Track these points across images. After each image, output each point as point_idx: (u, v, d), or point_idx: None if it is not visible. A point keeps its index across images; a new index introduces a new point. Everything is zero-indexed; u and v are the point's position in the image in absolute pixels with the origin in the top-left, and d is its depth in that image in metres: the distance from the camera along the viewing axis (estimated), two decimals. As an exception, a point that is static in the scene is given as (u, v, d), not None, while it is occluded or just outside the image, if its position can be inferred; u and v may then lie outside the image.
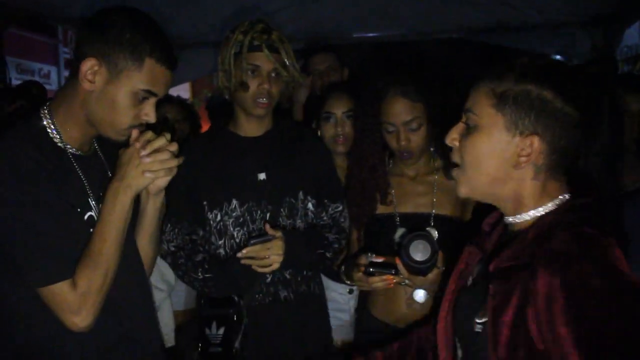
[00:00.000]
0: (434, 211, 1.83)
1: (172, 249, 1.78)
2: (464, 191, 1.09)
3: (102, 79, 1.22)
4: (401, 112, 1.78)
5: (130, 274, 1.35)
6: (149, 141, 1.28)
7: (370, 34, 4.03)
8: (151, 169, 1.27)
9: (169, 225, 1.77)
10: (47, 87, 6.69)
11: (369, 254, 1.70)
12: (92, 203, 1.30)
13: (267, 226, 1.72)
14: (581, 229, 0.95)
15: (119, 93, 1.23)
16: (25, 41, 7.57)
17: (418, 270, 1.57)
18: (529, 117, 0.99)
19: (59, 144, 1.26)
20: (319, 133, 2.20)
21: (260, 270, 1.71)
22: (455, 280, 1.21)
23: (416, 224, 1.81)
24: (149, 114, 1.28)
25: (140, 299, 1.41)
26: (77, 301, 1.18)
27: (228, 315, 1.70)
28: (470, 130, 1.05)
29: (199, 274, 1.75)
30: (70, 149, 1.28)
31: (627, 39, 4.75)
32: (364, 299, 2.01)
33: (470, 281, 1.17)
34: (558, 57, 4.49)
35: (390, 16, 3.75)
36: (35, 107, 1.34)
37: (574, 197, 1.04)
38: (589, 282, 0.87)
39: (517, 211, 1.06)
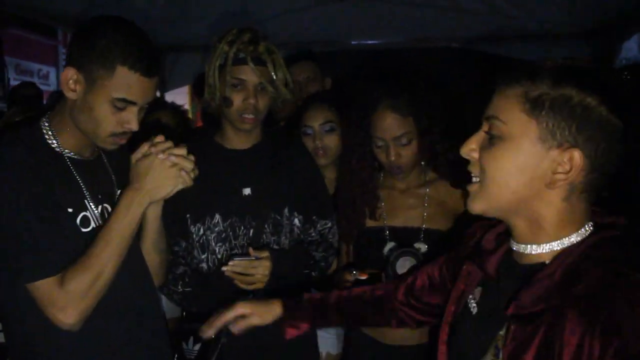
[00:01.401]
0: (424, 225, 1.80)
1: None
2: (479, 207, 0.94)
3: (81, 88, 1.24)
4: (391, 127, 1.74)
5: (136, 281, 1.37)
6: (166, 148, 1.30)
7: (366, 42, 4.02)
8: (176, 177, 1.29)
9: None
10: (46, 88, 6.70)
11: (353, 272, 1.67)
12: (90, 205, 1.31)
13: (251, 250, 1.67)
14: (615, 267, 0.83)
15: (96, 102, 1.24)
16: (24, 42, 7.56)
17: None
18: (570, 126, 0.84)
19: (57, 149, 1.28)
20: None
21: (242, 286, 1.66)
22: (454, 301, 1.12)
23: (406, 238, 1.78)
24: (131, 122, 1.27)
25: (148, 306, 1.43)
26: (62, 299, 1.19)
27: (205, 332, 1.66)
28: (494, 141, 0.90)
29: (179, 287, 1.71)
30: (69, 153, 1.30)
31: (627, 52, 4.73)
32: None
33: (472, 305, 1.06)
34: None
35: (386, 24, 3.74)
36: (28, 109, 1.35)
37: (599, 227, 0.91)
38: (634, 340, 0.74)
39: (533, 238, 0.92)
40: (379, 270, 1.62)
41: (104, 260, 1.23)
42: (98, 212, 1.32)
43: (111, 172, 1.39)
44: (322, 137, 2.09)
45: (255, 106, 1.68)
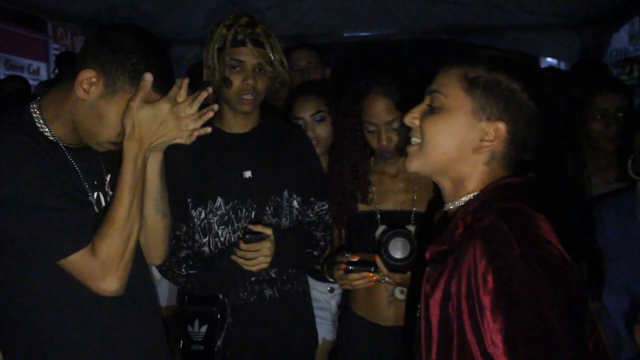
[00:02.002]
0: (414, 208, 1.84)
1: None
2: (414, 166, 1.11)
3: (96, 92, 1.24)
4: (382, 111, 1.77)
5: (136, 270, 1.34)
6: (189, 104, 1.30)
7: (360, 34, 4.04)
8: (180, 130, 1.29)
9: None
10: (37, 83, 6.64)
11: (346, 255, 1.70)
12: (88, 191, 1.31)
13: (259, 226, 1.69)
14: (504, 205, 0.99)
15: (110, 110, 1.25)
16: (14, 37, 7.51)
17: (397, 267, 1.58)
18: (498, 104, 1.03)
19: (50, 137, 1.27)
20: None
21: (247, 268, 1.69)
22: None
23: (397, 221, 1.81)
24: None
25: (145, 291, 1.43)
26: (99, 268, 1.20)
27: (211, 313, 1.68)
28: (434, 111, 1.08)
29: (183, 270, 1.72)
30: (62, 143, 1.29)
31: (616, 43, 4.79)
32: (346, 298, 2.00)
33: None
34: (548, 59, 4.51)
35: (380, 16, 3.76)
36: (16, 102, 1.34)
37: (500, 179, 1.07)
38: (510, 251, 0.90)
39: (456, 195, 1.09)
40: (372, 253, 1.64)
41: (126, 221, 1.24)
42: (94, 198, 1.33)
43: (100, 159, 1.38)
44: (314, 127, 2.10)
45: (254, 87, 1.70)
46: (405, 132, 1.76)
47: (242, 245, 1.66)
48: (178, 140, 1.32)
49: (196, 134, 1.34)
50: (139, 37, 1.26)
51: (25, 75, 7.06)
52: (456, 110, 1.05)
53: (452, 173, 1.08)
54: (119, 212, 1.24)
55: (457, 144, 1.06)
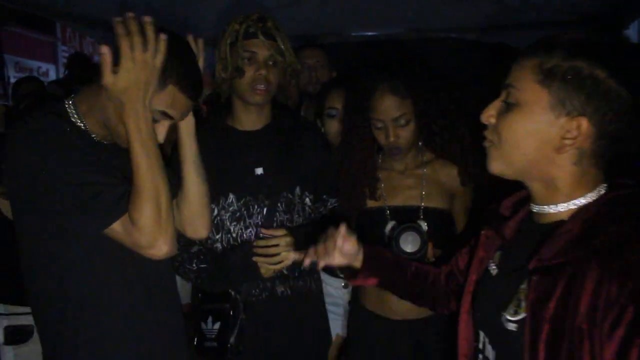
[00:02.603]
0: (423, 204, 1.86)
1: None
2: (496, 167, 1.01)
3: None
4: (390, 108, 1.78)
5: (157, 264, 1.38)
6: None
7: (367, 33, 4.04)
8: (154, 62, 1.25)
9: None
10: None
11: None
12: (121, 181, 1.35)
13: (271, 230, 1.72)
14: (630, 222, 0.88)
15: None
16: (23, 39, 7.56)
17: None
18: (579, 96, 0.91)
19: (84, 129, 1.33)
20: (321, 128, 2.20)
21: (271, 267, 1.71)
22: (476, 269, 1.16)
23: (406, 217, 1.82)
24: (159, 134, 1.32)
25: (169, 287, 1.48)
26: (141, 237, 1.24)
27: (224, 310, 1.70)
28: (510, 107, 0.97)
29: (194, 264, 1.75)
30: (95, 137, 1.35)
31: (625, 39, 4.74)
32: (357, 292, 2.01)
33: (493, 269, 1.11)
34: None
35: (387, 15, 3.76)
36: (32, 102, 1.38)
37: (613, 187, 0.97)
38: None
39: (551, 199, 0.99)
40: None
41: (153, 184, 1.25)
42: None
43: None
44: None
45: (267, 77, 1.74)
46: (412, 129, 1.79)
47: (260, 242, 1.68)
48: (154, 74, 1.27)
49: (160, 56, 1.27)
50: (169, 39, 1.28)
51: (35, 77, 7.09)
52: (532, 106, 0.94)
53: (539, 174, 0.98)
54: (140, 179, 1.25)
55: (535, 143, 0.95)
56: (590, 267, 0.86)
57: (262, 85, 1.74)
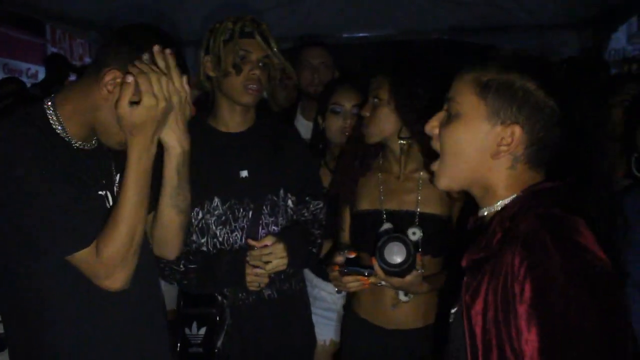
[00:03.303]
0: (418, 209, 1.81)
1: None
2: (443, 182, 1.09)
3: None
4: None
5: (142, 273, 1.35)
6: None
7: (359, 34, 4.02)
8: (171, 95, 1.25)
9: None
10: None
11: (344, 251, 1.69)
12: (98, 189, 1.32)
13: (250, 240, 1.70)
14: (544, 211, 0.95)
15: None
16: (12, 40, 7.50)
17: (393, 272, 1.55)
18: (512, 106, 0.99)
19: (62, 135, 1.27)
20: (321, 125, 2.19)
21: (257, 280, 1.70)
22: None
23: (401, 221, 1.79)
24: None
25: (150, 292, 1.45)
26: (102, 268, 1.21)
27: (210, 314, 1.67)
28: (451, 119, 1.05)
29: (181, 265, 1.72)
30: (73, 140, 1.29)
31: (614, 43, 4.78)
32: (350, 299, 1.99)
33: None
34: (547, 59, 4.50)
35: (380, 17, 3.75)
36: (12, 103, 1.33)
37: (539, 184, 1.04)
38: (550, 260, 0.87)
39: (489, 202, 1.06)
40: (370, 255, 1.62)
41: (133, 220, 1.23)
42: (102, 197, 1.33)
43: (111, 159, 1.39)
44: (353, 118, 2.12)
45: (260, 78, 1.73)
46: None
47: (255, 253, 1.67)
48: (176, 110, 1.28)
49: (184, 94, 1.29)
50: (159, 39, 1.27)
51: (24, 79, 7.03)
52: (470, 116, 1.02)
53: (479, 181, 1.05)
54: (123, 213, 1.22)
55: (475, 151, 1.02)
56: (504, 254, 0.93)
57: (255, 86, 1.73)
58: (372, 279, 1.63)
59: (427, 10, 3.62)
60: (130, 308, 1.35)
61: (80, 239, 1.20)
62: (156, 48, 1.25)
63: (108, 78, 1.23)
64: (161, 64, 1.25)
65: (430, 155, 1.78)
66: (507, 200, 1.03)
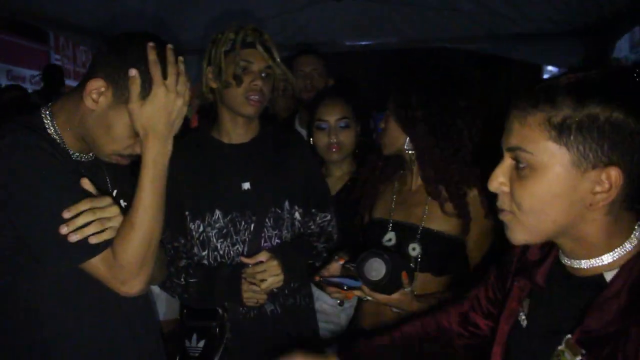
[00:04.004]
0: (422, 224, 1.74)
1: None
2: (521, 238, 0.92)
3: (105, 102, 1.21)
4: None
5: None
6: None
7: (361, 43, 4.02)
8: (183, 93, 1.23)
9: None
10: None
11: (336, 256, 1.68)
12: None
13: (243, 258, 1.69)
14: None
15: (118, 122, 1.22)
16: (16, 47, 7.53)
17: (374, 288, 1.51)
18: (602, 146, 0.82)
19: (62, 145, 1.26)
20: (310, 141, 2.15)
21: (255, 296, 1.67)
22: (506, 320, 1.07)
23: (404, 234, 1.76)
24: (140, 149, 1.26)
25: (145, 306, 1.42)
26: (120, 273, 1.19)
27: (210, 328, 1.65)
28: (525, 172, 0.88)
29: (182, 279, 1.70)
30: (72, 153, 1.28)
31: (618, 51, 4.76)
32: (356, 312, 1.95)
33: (523, 319, 1.02)
34: (550, 67, 4.51)
35: (381, 25, 3.75)
36: (14, 110, 1.32)
37: None
38: None
39: (584, 254, 0.90)
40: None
41: (150, 224, 1.20)
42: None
43: (105, 173, 1.37)
44: (338, 132, 2.09)
45: (262, 89, 1.70)
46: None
47: (249, 270, 1.64)
48: (183, 108, 1.26)
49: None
50: (148, 44, 1.22)
51: (27, 85, 7.06)
52: (551, 167, 0.85)
53: (570, 234, 0.90)
54: (140, 215, 1.20)
55: (564, 206, 0.86)
56: (633, 331, 0.80)
57: (257, 97, 1.70)
58: (356, 293, 1.59)
59: (430, 18, 3.61)
60: (125, 315, 1.33)
61: (91, 246, 1.17)
62: (172, 58, 1.23)
63: (90, 87, 1.19)
64: (171, 57, 1.22)
65: (426, 174, 1.74)
66: (620, 253, 0.88)
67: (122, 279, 1.20)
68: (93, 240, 1.17)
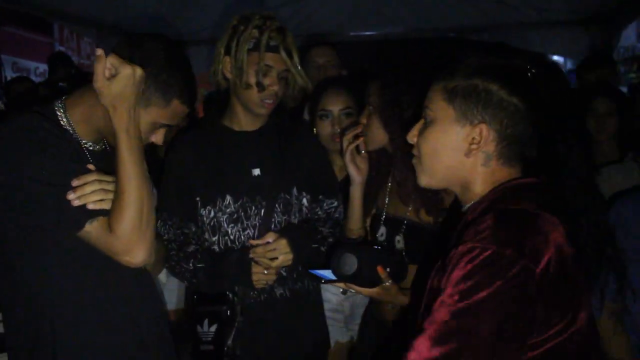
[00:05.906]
0: (407, 215, 1.74)
1: (164, 241, 1.76)
2: (424, 180, 1.18)
3: None
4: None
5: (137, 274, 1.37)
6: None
7: (366, 32, 4.02)
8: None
9: (159, 221, 1.74)
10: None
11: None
12: None
13: (252, 240, 1.72)
14: (508, 207, 1.04)
15: (141, 120, 1.29)
16: (21, 39, 7.52)
17: (351, 282, 1.50)
18: (477, 107, 1.08)
19: (74, 135, 1.31)
20: (314, 130, 2.17)
21: (264, 277, 1.70)
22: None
23: (391, 227, 1.77)
24: (159, 138, 1.39)
25: (152, 297, 1.46)
26: (119, 244, 1.23)
27: (221, 312, 1.67)
28: (427, 125, 1.15)
29: (190, 264, 1.72)
30: (82, 141, 1.33)
31: (624, 40, 4.74)
32: (371, 305, 1.95)
33: None
34: (555, 57, 4.50)
35: (387, 14, 3.75)
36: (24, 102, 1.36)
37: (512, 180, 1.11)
38: (483, 252, 0.95)
39: (469, 198, 1.14)
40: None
41: (137, 192, 1.24)
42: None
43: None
44: (341, 122, 2.10)
45: (277, 93, 1.72)
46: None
47: (258, 250, 1.67)
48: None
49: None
50: (168, 51, 1.32)
51: (32, 77, 7.06)
52: (442, 121, 1.12)
53: (457, 179, 1.14)
54: (125, 186, 1.24)
55: (449, 152, 1.12)
56: (459, 247, 1.01)
57: (271, 100, 1.72)
58: (339, 284, 1.56)
59: (435, 8, 3.61)
60: (131, 308, 1.36)
61: (91, 211, 1.22)
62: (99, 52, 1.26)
63: None
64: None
65: (402, 178, 1.71)
66: (478, 198, 1.12)
67: (122, 250, 1.24)
68: (92, 207, 1.23)
